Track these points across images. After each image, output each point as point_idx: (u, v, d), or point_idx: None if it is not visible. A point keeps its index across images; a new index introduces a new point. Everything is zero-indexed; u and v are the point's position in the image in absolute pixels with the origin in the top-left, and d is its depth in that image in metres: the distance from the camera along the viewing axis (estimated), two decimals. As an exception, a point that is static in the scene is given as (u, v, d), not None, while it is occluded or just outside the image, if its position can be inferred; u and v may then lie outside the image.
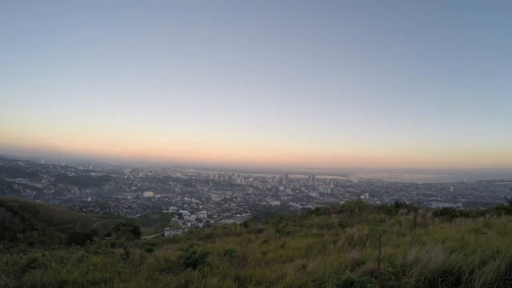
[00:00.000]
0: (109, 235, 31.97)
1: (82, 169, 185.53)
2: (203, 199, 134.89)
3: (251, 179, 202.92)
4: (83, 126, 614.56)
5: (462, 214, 13.11)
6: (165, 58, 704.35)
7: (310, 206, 79.60)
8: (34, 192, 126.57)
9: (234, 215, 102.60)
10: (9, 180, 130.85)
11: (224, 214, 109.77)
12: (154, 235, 42.25)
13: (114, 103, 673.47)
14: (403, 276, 3.99)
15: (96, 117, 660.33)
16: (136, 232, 30.54)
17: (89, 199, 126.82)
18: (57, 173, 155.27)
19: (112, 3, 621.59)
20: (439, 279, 3.85)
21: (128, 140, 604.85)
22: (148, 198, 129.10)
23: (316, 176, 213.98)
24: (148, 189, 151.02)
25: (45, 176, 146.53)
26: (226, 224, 24.49)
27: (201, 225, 77.92)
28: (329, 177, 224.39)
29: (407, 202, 25.16)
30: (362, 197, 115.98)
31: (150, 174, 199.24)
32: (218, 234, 14.56)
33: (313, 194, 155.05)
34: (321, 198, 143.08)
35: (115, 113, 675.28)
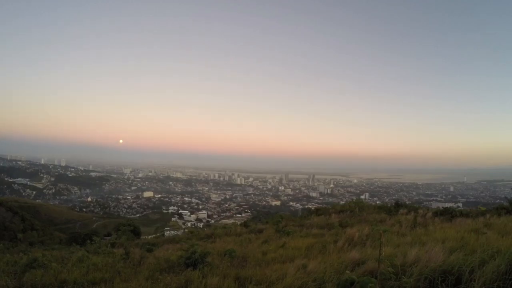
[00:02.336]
0: (109, 235, 31.99)
1: (82, 169, 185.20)
2: (203, 199, 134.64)
3: (251, 179, 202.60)
4: (86, 118, 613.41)
5: (462, 214, 13.11)
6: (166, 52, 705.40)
7: (310, 206, 79.40)
8: (34, 192, 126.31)
9: (234, 215, 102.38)
10: (9, 180, 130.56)
11: (224, 214, 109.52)
12: (154, 235, 42.21)
13: (115, 96, 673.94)
14: (403, 276, 3.99)
15: (100, 110, 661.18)
16: (136, 232, 30.55)
17: (89, 199, 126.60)
18: (57, 173, 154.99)
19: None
20: (439, 279, 3.85)
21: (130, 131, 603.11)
22: (148, 198, 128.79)
23: (316, 176, 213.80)
24: (148, 189, 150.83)
25: (45, 176, 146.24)
26: (226, 224, 24.49)
27: (201, 225, 77.82)
28: (329, 177, 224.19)
29: (407, 202, 25.19)
30: (362, 197, 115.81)
31: (150, 174, 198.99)
32: (218, 234, 14.56)
33: (313, 194, 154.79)
34: (321, 198, 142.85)
35: (118, 106, 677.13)
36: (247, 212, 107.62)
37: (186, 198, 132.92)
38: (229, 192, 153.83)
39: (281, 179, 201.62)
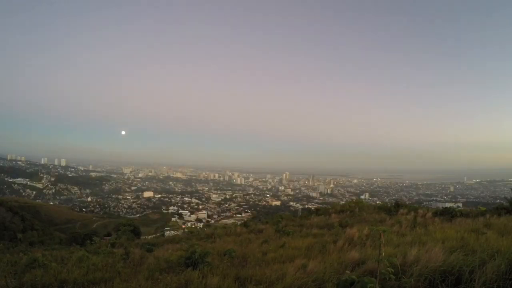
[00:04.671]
0: (109, 235, 32.05)
1: (82, 169, 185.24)
2: (203, 199, 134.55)
3: (251, 179, 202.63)
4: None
5: (462, 214, 13.12)
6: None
7: (310, 206, 79.48)
8: (34, 192, 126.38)
9: (234, 215, 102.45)
10: (9, 180, 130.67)
11: (224, 214, 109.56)
12: (154, 235, 42.25)
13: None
14: (403, 276, 4.00)
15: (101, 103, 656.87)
16: (136, 232, 30.62)
17: (89, 199, 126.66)
18: (57, 173, 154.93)
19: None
20: (439, 279, 3.86)
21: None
22: (148, 198, 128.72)
23: (316, 176, 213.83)
24: (148, 189, 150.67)
25: (45, 176, 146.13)
26: (226, 224, 24.52)
27: (201, 225, 77.84)
28: (329, 177, 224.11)
29: (407, 202, 25.21)
30: (362, 197, 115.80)
31: (150, 174, 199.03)
32: (218, 234, 14.56)
33: (313, 194, 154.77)
34: (321, 198, 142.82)
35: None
36: (247, 212, 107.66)
37: (186, 198, 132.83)
38: (229, 192, 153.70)
39: (281, 179, 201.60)
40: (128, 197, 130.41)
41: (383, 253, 3.69)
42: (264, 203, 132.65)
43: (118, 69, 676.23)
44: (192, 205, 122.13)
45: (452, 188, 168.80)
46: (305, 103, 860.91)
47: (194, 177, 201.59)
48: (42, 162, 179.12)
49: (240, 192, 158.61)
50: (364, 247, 7.06)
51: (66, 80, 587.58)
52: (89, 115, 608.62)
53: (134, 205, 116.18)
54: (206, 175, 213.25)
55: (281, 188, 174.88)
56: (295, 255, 7.09)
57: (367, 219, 14.58)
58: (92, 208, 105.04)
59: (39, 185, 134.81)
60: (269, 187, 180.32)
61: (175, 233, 34.22)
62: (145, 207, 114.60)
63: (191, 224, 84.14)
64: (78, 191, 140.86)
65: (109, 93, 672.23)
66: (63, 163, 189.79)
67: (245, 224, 18.14)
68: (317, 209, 22.17)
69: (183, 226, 78.36)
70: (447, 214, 13.08)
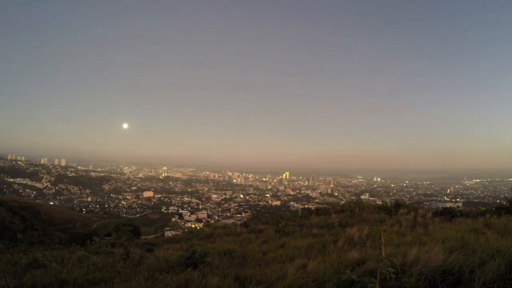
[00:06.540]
0: (109, 235, 31.97)
1: (82, 169, 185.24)
2: (203, 199, 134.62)
3: (251, 179, 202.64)
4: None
5: (462, 214, 13.13)
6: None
7: (310, 206, 79.38)
8: (34, 192, 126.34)
9: (234, 215, 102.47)
10: (9, 180, 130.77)
11: (224, 214, 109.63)
12: (154, 235, 42.26)
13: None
14: (403, 276, 4.00)
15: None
16: (136, 232, 30.51)
17: (89, 199, 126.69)
18: (57, 173, 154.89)
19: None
20: (439, 279, 3.86)
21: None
22: (148, 198, 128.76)
23: (316, 176, 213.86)
24: (148, 189, 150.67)
25: (45, 176, 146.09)
26: (226, 224, 24.52)
27: (201, 225, 77.82)
28: (329, 177, 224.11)
29: (407, 202, 25.20)
30: (362, 197, 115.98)
31: (150, 174, 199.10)
32: (218, 234, 14.58)
33: (313, 194, 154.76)
34: (321, 198, 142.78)
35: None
36: (247, 212, 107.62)
37: (186, 198, 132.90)
38: (229, 192, 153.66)
39: (281, 179, 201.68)
40: (128, 197, 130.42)
41: (383, 253, 3.70)
42: (264, 203, 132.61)
43: (118, 68, 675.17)
44: (192, 205, 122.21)
45: (452, 188, 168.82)
46: (304, 102, 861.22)
47: (194, 177, 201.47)
48: (42, 162, 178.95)
49: (240, 192, 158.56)
50: (364, 247, 7.07)
51: (66, 80, 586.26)
52: (89, 115, 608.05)
53: (134, 205, 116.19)
54: (206, 175, 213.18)
55: (281, 188, 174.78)
56: (295, 255, 7.10)
57: (367, 219, 14.59)
58: (92, 208, 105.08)
59: (39, 185, 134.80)
60: (269, 187, 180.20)
61: (175, 233, 34.21)
62: (145, 207, 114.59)
63: (191, 224, 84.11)
64: (78, 191, 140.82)
65: (109, 92, 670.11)
66: (63, 163, 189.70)
67: (245, 224, 18.16)
68: (317, 209, 22.18)
69: (184, 226, 78.43)
70: (447, 214, 13.10)
